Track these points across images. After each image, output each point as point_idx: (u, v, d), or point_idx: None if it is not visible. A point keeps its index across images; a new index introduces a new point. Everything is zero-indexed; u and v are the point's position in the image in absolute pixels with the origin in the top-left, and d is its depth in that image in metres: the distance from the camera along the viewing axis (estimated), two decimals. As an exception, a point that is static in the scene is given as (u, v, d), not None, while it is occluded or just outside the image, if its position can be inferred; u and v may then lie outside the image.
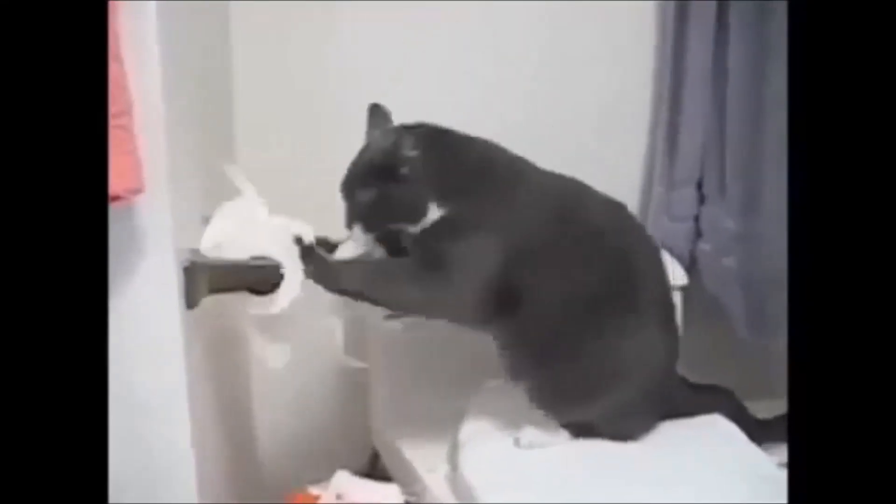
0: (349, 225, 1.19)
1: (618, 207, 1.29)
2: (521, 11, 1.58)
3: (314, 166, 1.53)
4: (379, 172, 1.16)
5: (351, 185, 1.19)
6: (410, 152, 1.15)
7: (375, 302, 1.20)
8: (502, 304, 1.18)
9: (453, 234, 1.16)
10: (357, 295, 1.19)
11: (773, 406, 1.34)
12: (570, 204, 1.24)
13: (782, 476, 1.17)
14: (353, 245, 1.20)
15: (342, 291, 1.18)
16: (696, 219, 1.61)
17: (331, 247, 1.21)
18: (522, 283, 1.18)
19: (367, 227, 1.19)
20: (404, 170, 1.15)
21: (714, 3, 1.51)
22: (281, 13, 1.50)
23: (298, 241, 1.14)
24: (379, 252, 1.23)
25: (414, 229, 1.18)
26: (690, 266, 1.58)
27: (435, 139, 1.18)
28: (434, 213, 1.17)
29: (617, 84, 1.65)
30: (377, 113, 1.26)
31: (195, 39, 1.20)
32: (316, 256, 1.15)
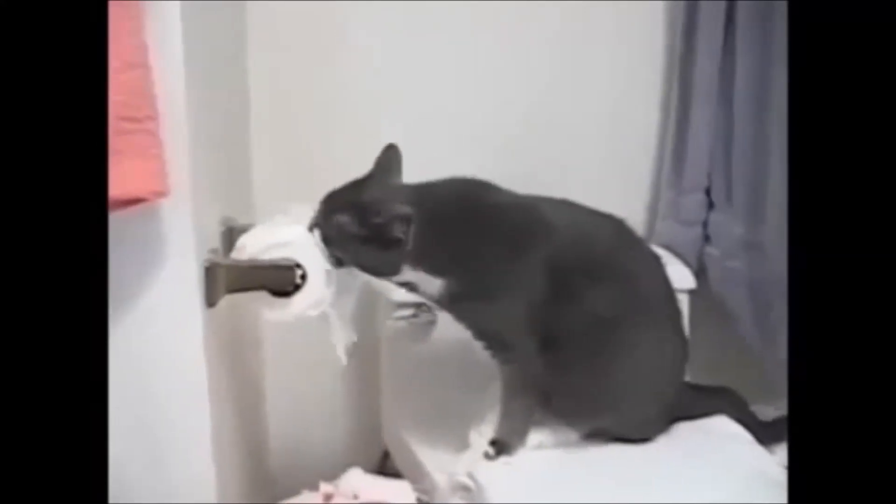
0: (311, 228, 1.15)
1: (617, 224, 1.29)
2: (535, 20, 1.59)
3: (327, 167, 1.55)
4: (366, 217, 1.13)
5: (333, 203, 1.16)
6: (399, 231, 1.11)
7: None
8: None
9: (484, 301, 1.18)
10: None
11: (779, 409, 1.36)
12: (573, 232, 1.24)
13: (786, 478, 1.20)
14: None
15: None
16: (705, 224, 1.62)
17: None
18: (550, 317, 1.20)
19: (327, 245, 1.14)
20: (393, 234, 1.11)
21: (722, 15, 1.52)
22: (296, 16, 1.52)
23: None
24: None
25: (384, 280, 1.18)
26: (698, 270, 1.59)
27: (431, 208, 1.15)
28: (429, 281, 1.16)
29: (627, 93, 1.66)
30: (390, 155, 1.21)
31: (216, 45, 1.22)
32: None
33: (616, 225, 1.29)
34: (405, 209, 1.11)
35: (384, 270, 1.16)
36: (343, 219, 1.14)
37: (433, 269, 1.16)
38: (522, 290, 1.19)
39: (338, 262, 1.15)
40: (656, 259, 1.32)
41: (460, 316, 1.22)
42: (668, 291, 1.31)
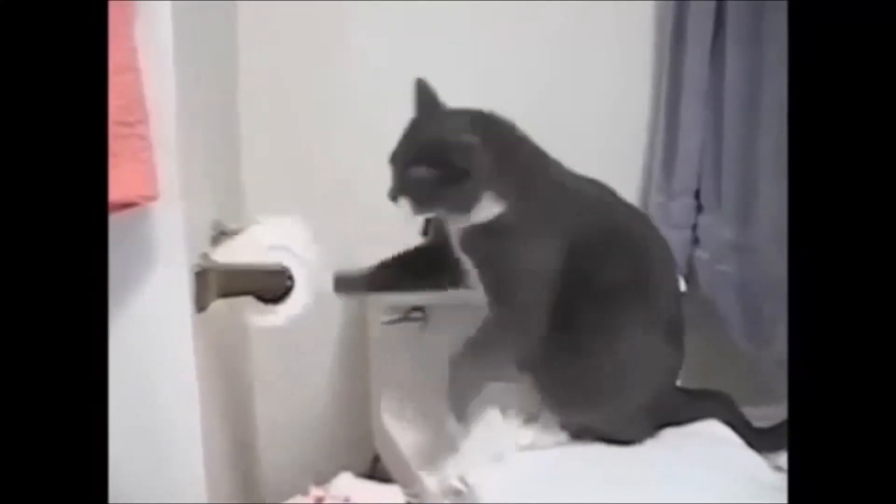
0: (394, 196, 1.17)
1: (642, 215, 1.35)
2: (535, 20, 1.60)
3: (324, 167, 1.55)
4: (435, 155, 1.14)
5: (403, 159, 1.17)
6: (468, 145, 1.12)
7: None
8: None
9: (514, 242, 1.17)
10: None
11: (769, 412, 1.36)
12: (605, 205, 1.27)
13: (777, 480, 1.20)
14: None
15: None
16: (694, 227, 1.63)
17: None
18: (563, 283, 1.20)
19: (416, 205, 1.16)
20: (463, 163, 1.12)
21: (711, 18, 1.54)
22: (290, 16, 1.52)
23: None
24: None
25: (464, 220, 1.17)
26: (688, 273, 1.60)
27: (491, 133, 1.16)
28: (489, 206, 1.16)
29: (626, 93, 1.67)
30: (423, 90, 1.22)
31: (206, 47, 1.21)
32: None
33: (643, 218, 1.34)
34: (471, 137, 1.12)
35: (468, 203, 1.15)
36: (419, 170, 1.14)
37: (500, 193, 1.15)
38: (562, 238, 1.19)
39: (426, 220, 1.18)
40: (673, 266, 1.35)
41: (488, 252, 1.18)
42: (675, 299, 1.33)
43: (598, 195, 1.27)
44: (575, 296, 1.20)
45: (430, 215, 1.20)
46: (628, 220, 1.30)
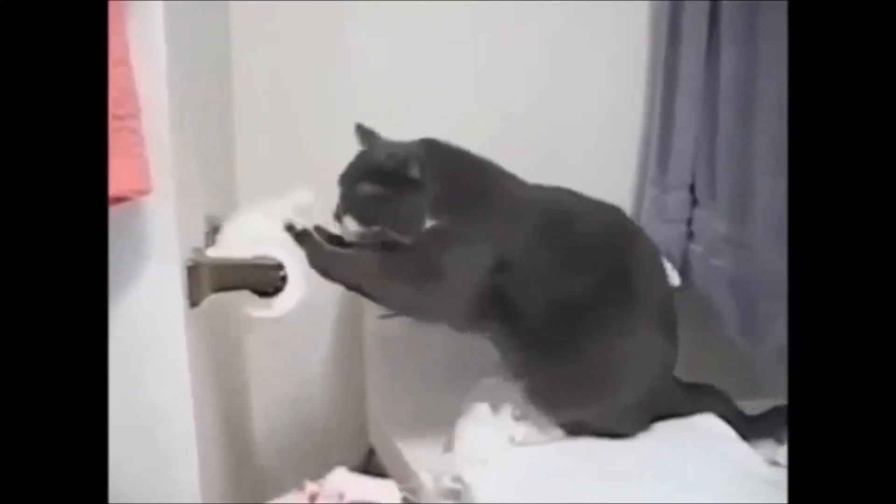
0: (339, 216, 1.20)
1: (614, 212, 1.32)
2: (535, 20, 1.61)
3: (317, 168, 1.55)
4: (380, 172, 1.18)
5: (351, 177, 1.20)
6: (411, 161, 1.17)
7: (370, 297, 1.24)
8: (494, 310, 1.22)
9: (445, 244, 1.19)
10: (352, 287, 1.23)
11: (763, 406, 1.36)
12: (563, 212, 1.27)
13: (773, 475, 1.20)
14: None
15: (338, 281, 1.21)
16: (689, 221, 1.63)
17: (332, 237, 1.23)
18: (516, 290, 1.21)
19: (361, 222, 1.19)
20: (406, 178, 1.16)
21: (706, 18, 1.54)
22: (287, 15, 1.52)
23: (290, 227, 1.16)
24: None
25: (403, 239, 1.19)
26: (683, 268, 1.60)
27: (437, 157, 1.21)
28: (428, 223, 1.19)
29: (627, 92, 1.67)
30: (364, 131, 1.26)
31: (198, 42, 1.22)
32: (312, 242, 1.17)
33: (616, 214, 1.33)
34: (415, 154, 1.17)
35: (411, 221, 1.18)
36: (365, 187, 1.18)
37: (437, 212, 1.19)
38: (497, 243, 1.21)
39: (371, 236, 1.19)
40: (656, 257, 1.35)
41: (429, 253, 1.20)
42: (663, 291, 1.33)
43: (565, 205, 1.29)
44: (552, 308, 1.22)
45: (374, 230, 1.20)
46: (597, 222, 1.30)
